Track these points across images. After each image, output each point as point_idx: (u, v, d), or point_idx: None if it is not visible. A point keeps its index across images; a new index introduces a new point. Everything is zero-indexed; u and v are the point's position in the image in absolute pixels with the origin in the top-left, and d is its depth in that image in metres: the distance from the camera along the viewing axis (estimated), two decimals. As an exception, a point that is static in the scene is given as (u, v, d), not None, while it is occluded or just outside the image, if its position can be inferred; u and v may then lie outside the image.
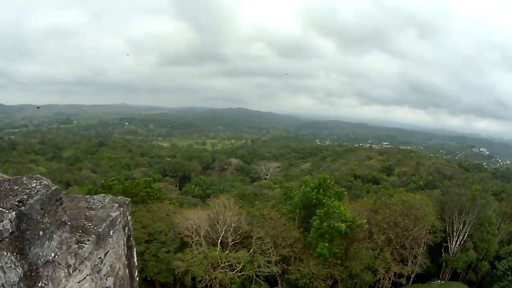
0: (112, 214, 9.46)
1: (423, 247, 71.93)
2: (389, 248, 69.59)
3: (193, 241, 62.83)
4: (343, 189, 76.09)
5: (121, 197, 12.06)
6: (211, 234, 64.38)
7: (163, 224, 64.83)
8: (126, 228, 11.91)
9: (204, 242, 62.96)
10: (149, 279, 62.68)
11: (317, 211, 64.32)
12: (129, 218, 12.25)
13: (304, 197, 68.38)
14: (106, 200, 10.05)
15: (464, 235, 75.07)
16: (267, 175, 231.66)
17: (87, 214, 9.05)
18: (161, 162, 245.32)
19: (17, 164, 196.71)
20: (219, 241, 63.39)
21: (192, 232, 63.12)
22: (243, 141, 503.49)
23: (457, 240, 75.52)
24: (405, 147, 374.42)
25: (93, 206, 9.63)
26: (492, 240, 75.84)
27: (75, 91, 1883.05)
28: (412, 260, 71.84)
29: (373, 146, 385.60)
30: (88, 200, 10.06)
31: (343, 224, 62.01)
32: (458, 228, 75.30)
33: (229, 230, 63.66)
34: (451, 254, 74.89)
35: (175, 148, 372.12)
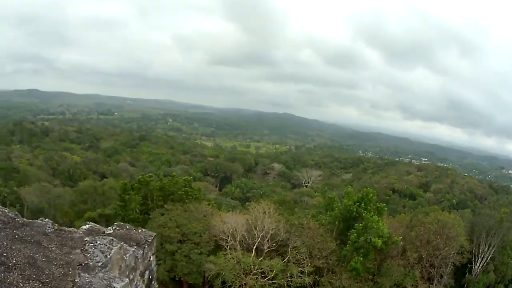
0: (115, 286, 6.96)
1: (450, 267, 70.14)
2: (419, 266, 67.68)
3: (227, 245, 59.78)
4: (384, 204, 72.60)
5: (142, 230, 9.52)
6: (247, 239, 61.20)
7: (199, 225, 61.70)
8: (147, 272, 9.36)
9: (239, 247, 59.73)
10: (177, 279, 60.03)
11: (356, 224, 61.98)
12: (152, 259, 9.33)
13: (345, 210, 65.63)
14: (113, 250, 7.52)
15: (488, 257, 73.30)
16: (308, 182, 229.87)
17: (77, 280, 6.58)
18: (203, 161, 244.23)
19: (49, 151, 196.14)
20: (255, 247, 60.40)
21: (228, 236, 59.93)
22: (287, 146, 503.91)
23: (481, 261, 73.59)
24: (442, 164, 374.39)
25: (90, 263, 6.95)
26: (511, 263, 74.47)
27: (117, 83, 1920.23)
28: (438, 279, 69.89)
29: (412, 161, 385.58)
30: (85, 246, 7.21)
31: (379, 240, 59.70)
32: (484, 249, 73.47)
33: (266, 237, 60.39)
34: (473, 276, 73.18)
35: (219, 148, 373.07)
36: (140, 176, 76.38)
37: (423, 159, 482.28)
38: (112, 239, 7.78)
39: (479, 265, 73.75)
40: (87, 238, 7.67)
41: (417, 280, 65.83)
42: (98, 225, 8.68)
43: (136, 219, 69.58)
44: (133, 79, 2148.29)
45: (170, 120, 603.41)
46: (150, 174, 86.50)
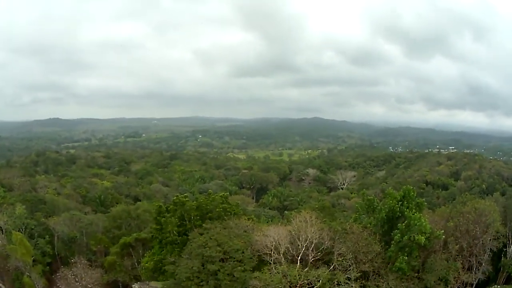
0: None
1: (488, 253, 68.76)
2: (460, 257, 66.15)
3: (271, 259, 56.47)
4: (423, 199, 71.13)
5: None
6: (291, 251, 57.70)
7: (240, 241, 58.10)
8: None
9: (283, 259, 56.19)
10: (221, 299, 56.90)
11: (399, 224, 59.51)
12: None
13: (389, 211, 63.27)
14: None
15: (521, 239, 68.15)
16: (343, 184, 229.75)
17: None
18: (237, 174, 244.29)
19: (76, 178, 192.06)
20: (299, 258, 57.45)
21: (271, 250, 56.64)
22: (320, 150, 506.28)
23: (514, 244, 68.67)
24: (469, 151, 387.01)
25: None
26: (542, 244, 69.22)
27: (141, 104, 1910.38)
28: (477, 267, 68.35)
29: (441, 151, 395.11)
30: None
31: (422, 237, 57.58)
32: (516, 232, 68.57)
33: (310, 247, 57.02)
34: (507, 258, 71.72)
35: (252, 159, 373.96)
36: (175, 197, 73.83)
37: (450, 147, 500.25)
38: None
39: (513, 247, 70.04)
40: None
41: (459, 272, 64.62)
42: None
43: (174, 241, 66.95)
44: (157, 99, 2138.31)
45: (200, 136, 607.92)
46: (185, 194, 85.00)
